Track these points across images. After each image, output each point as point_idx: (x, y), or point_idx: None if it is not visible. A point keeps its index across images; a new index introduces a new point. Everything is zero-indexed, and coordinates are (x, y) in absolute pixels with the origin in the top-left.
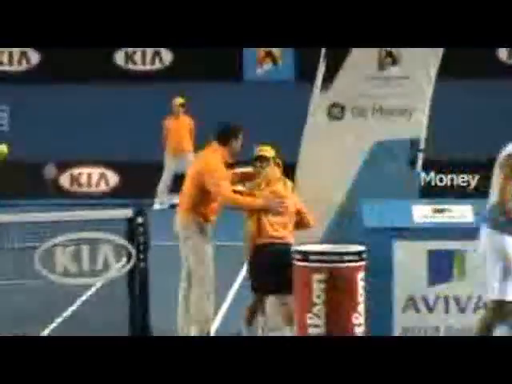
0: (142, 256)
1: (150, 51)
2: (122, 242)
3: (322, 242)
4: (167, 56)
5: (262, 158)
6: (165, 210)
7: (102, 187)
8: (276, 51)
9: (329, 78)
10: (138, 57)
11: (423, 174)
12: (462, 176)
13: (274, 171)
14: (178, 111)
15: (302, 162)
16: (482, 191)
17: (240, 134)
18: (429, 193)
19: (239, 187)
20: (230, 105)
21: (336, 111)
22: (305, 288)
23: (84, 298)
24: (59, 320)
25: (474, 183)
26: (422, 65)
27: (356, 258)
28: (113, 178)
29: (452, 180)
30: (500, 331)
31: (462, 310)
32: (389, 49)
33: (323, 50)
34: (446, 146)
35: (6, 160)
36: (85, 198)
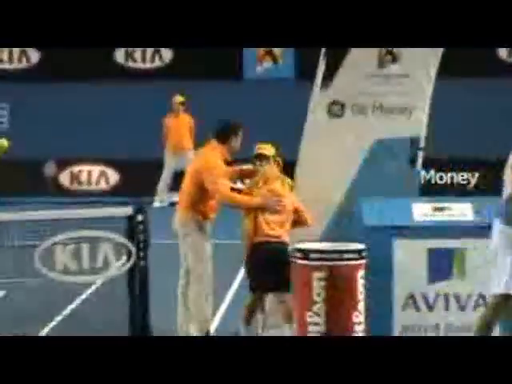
0: (141, 254)
1: (150, 49)
2: (122, 240)
3: (321, 241)
4: (167, 54)
5: (262, 156)
6: (165, 208)
7: (102, 185)
8: (276, 50)
9: (329, 76)
10: (137, 55)
11: (423, 173)
12: (461, 174)
13: (272, 169)
14: (178, 109)
15: (301, 161)
16: (481, 189)
17: (239, 132)
18: (429, 191)
19: (239, 185)
20: (230, 103)
21: (336, 109)
22: (305, 286)
23: (84, 296)
24: (59, 318)
25: (473, 181)
26: (421, 63)
27: (356, 256)
28: (113, 176)
29: (452, 178)
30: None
31: (462, 308)
32: None
33: (323, 49)
34: (446, 145)
35: (7, 154)
36: (85, 196)
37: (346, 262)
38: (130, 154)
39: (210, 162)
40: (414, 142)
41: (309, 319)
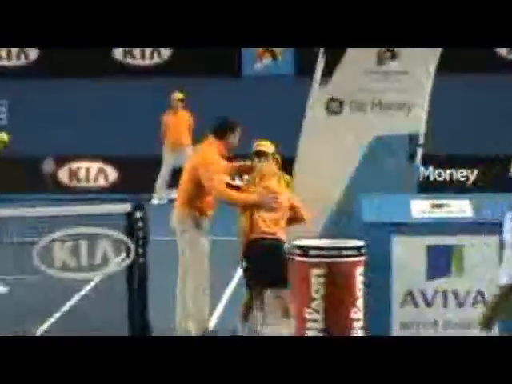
0: (140, 251)
1: None
2: (121, 236)
3: (320, 238)
4: (166, 51)
5: (260, 153)
6: (163, 205)
7: (101, 182)
8: None
9: (328, 73)
10: (136, 52)
11: (422, 169)
12: (460, 171)
13: (268, 166)
14: (177, 106)
15: (299, 158)
16: (480, 186)
17: (237, 129)
18: (427, 188)
19: (237, 181)
20: (229, 100)
21: (334, 106)
22: (304, 283)
23: (83, 292)
24: (58, 315)
25: (472, 178)
26: (421, 60)
27: (355, 253)
28: (111, 173)
29: (451, 175)
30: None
31: (461, 305)
32: None
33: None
34: (445, 142)
35: (6, 150)
36: (83, 193)
37: (344, 259)
38: (128, 150)
39: (206, 158)
40: (412, 138)
41: (307, 316)
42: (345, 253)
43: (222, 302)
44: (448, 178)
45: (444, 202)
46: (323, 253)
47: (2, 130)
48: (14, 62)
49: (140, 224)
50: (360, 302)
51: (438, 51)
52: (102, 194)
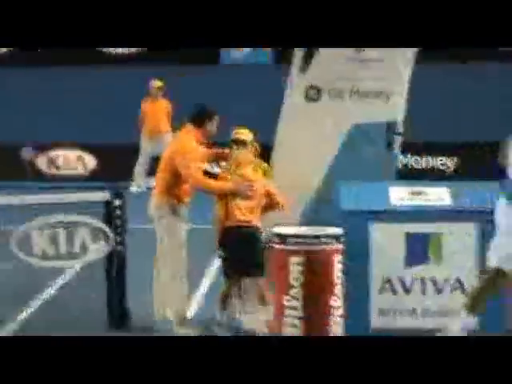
0: (119, 239)
1: None
2: (100, 225)
3: (299, 225)
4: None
5: (239, 141)
6: (142, 193)
7: (80, 170)
8: None
9: (306, 60)
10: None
11: (400, 157)
12: (439, 159)
13: (244, 154)
14: (156, 94)
15: (278, 146)
16: (459, 174)
17: (215, 116)
18: (406, 175)
19: (216, 169)
20: (208, 88)
21: (313, 93)
22: (282, 270)
23: (62, 281)
24: (37, 303)
25: (451, 166)
26: (399, 48)
27: (333, 240)
28: (90, 161)
29: (429, 163)
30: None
31: (439, 292)
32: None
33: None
34: (423, 129)
35: None
36: (62, 181)
37: (323, 247)
38: (107, 138)
39: (184, 146)
40: (391, 126)
41: (286, 303)
42: (323, 240)
43: (200, 290)
44: (426, 165)
45: (422, 189)
46: (301, 240)
47: None
48: None
49: (118, 212)
50: (339, 290)
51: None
52: (80, 182)
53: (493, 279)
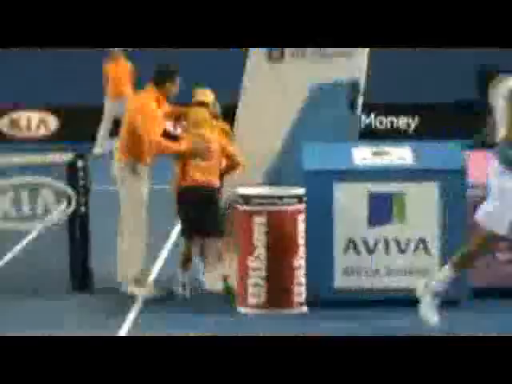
0: (82, 200)
1: None
2: (63, 186)
3: (262, 186)
4: None
5: (200, 102)
6: (105, 155)
7: (42, 131)
8: None
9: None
10: None
11: (363, 117)
12: (402, 119)
13: (201, 114)
14: (118, 56)
15: (241, 106)
16: (421, 133)
17: (176, 76)
18: (369, 136)
19: (177, 130)
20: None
21: (276, 54)
22: (246, 231)
23: (24, 242)
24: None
25: (413, 126)
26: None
27: (296, 200)
28: (53, 122)
29: (392, 123)
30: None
31: (402, 252)
32: None
33: None
34: (386, 89)
35: None
36: (25, 143)
37: (286, 207)
38: (70, 100)
39: (143, 107)
40: (353, 86)
41: (250, 264)
42: (286, 201)
43: (164, 251)
44: (389, 125)
45: (385, 149)
46: (265, 201)
47: None
48: None
49: (81, 173)
50: (302, 250)
51: None
52: (43, 144)
53: (485, 242)
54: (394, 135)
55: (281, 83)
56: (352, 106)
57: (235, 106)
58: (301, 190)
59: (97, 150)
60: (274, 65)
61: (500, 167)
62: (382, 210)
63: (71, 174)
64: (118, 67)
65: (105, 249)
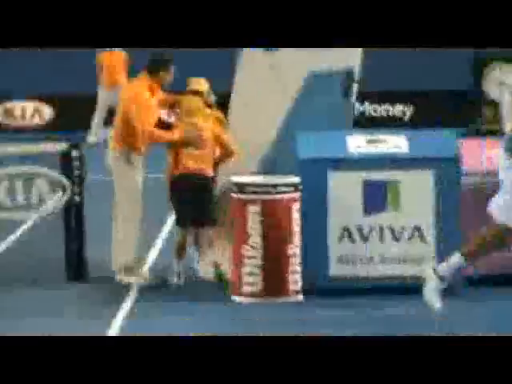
0: (77, 189)
1: None
2: (57, 175)
3: (257, 174)
4: None
5: (194, 91)
6: (100, 144)
7: (37, 121)
8: None
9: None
10: None
11: (357, 105)
12: (397, 107)
13: (194, 102)
14: None
15: (234, 95)
16: (416, 122)
17: (170, 65)
18: (364, 124)
19: (172, 118)
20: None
21: None
22: (241, 220)
23: (20, 232)
24: None
25: (409, 114)
26: None
27: (291, 189)
28: (47, 112)
29: (387, 111)
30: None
31: (397, 240)
32: None
33: None
34: (381, 77)
35: None
36: (19, 132)
37: (280, 195)
38: (64, 89)
39: (137, 96)
40: (348, 74)
41: (245, 252)
42: (281, 189)
43: (158, 241)
44: (384, 113)
45: (380, 137)
46: (259, 189)
47: None
48: None
49: (76, 163)
50: (297, 239)
51: None
52: (37, 133)
53: (501, 236)
54: (389, 123)
55: (275, 71)
56: (346, 94)
57: (230, 95)
58: (295, 179)
59: (91, 138)
60: (268, 53)
61: (506, 159)
62: (376, 198)
63: (65, 163)
64: (112, 56)
65: (99, 238)
